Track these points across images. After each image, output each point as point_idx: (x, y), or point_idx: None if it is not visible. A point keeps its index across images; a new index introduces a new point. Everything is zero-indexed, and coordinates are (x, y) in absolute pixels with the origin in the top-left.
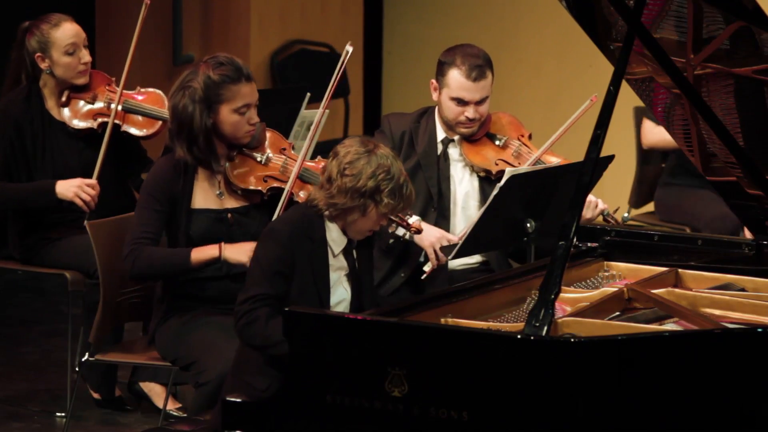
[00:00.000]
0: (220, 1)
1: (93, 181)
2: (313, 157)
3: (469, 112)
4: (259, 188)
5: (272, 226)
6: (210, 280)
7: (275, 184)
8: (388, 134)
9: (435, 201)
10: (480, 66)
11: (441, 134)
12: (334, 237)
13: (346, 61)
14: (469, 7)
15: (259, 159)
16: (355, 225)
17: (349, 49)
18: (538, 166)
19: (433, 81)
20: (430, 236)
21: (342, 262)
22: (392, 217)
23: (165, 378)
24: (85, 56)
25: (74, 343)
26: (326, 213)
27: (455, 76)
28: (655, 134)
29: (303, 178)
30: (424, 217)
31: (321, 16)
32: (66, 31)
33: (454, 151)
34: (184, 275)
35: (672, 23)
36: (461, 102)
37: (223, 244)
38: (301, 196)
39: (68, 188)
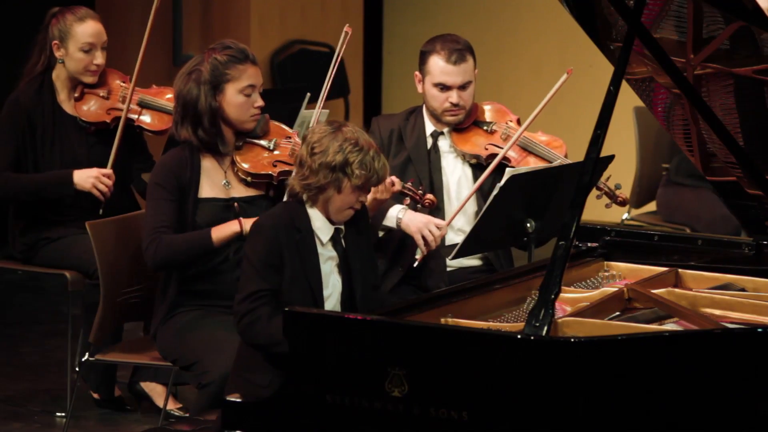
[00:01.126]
0: (220, 1)
1: (108, 171)
2: None
3: (453, 97)
4: (269, 172)
5: (257, 221)
6: (215, 276)
7: (285, 168)
8: (377, 135)
9: (428, 192)
10: (459, 50)
11: (430, 128)
12: (319, 225)
13: (345, 44)
14: (469, 7)
15: (266, 145)
16: (333, 204)
17: (348, 31)
18: (538, 167)
19: (417, 73)
20: (416, 222)
21: (331, 251)
22: (405, 190)
23: (165, 378)
24: (99, 58)
25: (74, 343)
26: (304, 197)
27: (435, 62)
28: None
29: None
30: (416, 209)
31: (321, 16)
32: (87, 29)
33: (444, 143)
34: (207, 256)
35: (672, 23)
36: (444, 87)
37: (241, 219)
38: None
39: (86, 179)
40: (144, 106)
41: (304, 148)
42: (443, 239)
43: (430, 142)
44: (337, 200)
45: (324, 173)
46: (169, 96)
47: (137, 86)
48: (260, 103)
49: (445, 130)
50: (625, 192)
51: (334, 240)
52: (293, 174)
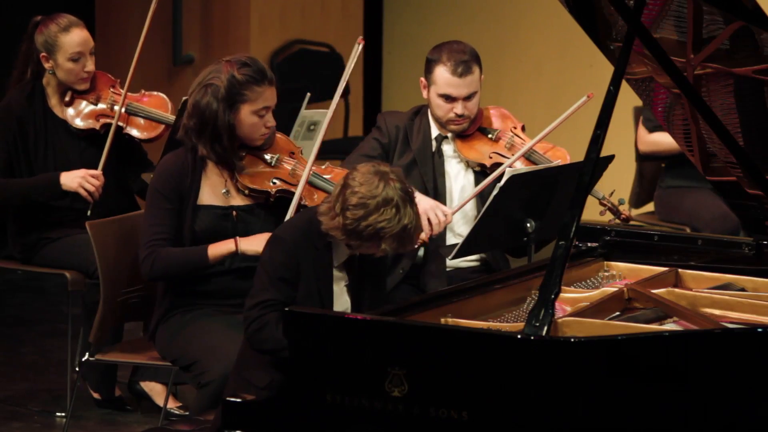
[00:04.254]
0: (220, 1)
1: (98, 172)
2: (321, 158)
3: (458, 108)
4: (267, 189)
5: (277, 232)
6: (213, 276)
7: (283, 187)
8: (384, 130)
9: (431, 197)
10: (466, 61)
11: (435, 131)
12: (337, 249)
13: (356, 57)
14: (470, 7)
15: (268, 160)
16: (355, 252)
17: (361, 42)
18: (539, 166)
19: (422, 79)
20: (423, 204)
21: (342, 272)
22: None
23: (165, 377)
24: (89, 65)
25: (74, 343)
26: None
27: (441, 73)
28: (649, 143)
29: (312, 184)
30: None
31: (321, 16)
32: (74, 38)
33: (448, 148)
34: (202, 272)
35: (672, 23)
36: (449, 98)
37: (238, 238)
38: (315, 198)
39: (72, 179)
40: (132, 113)
41: (340, 199)
42: (443, 238)
43: (434, 145)
44: (358, 251)
45: (350, 236)
46: (158, 102)
47: (124, 90)
48: (272, 123)
49: (449, 135)
50: (625, 204)
51: (348, 262)
52: (324, 204)
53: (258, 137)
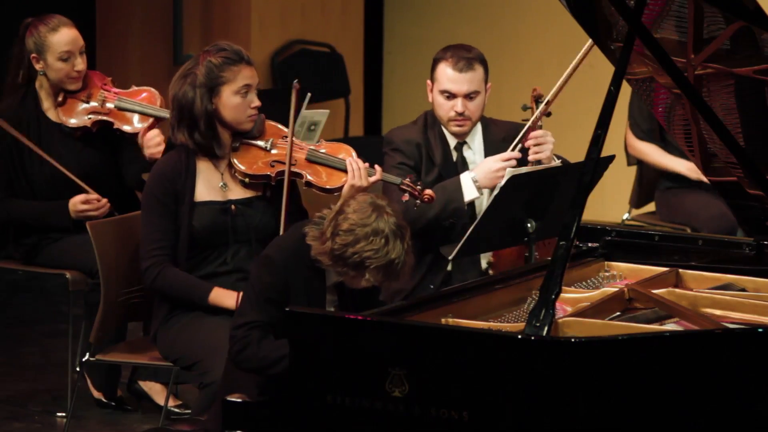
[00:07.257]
0: (221, 1)
1: (92, 195)
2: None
3: (458, 105)
4: (268, 173)
5: (267, 252)
6: (213, 277)
7: (282, 168)
8: (407, 152)
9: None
10: (468, 59)
11: (452, 141)
12: (328, 272)
13: (296, 101)
14: (470, 7)
15: (263, 146)
16: (341, 279)
17: (297, 86)
18: (539, 167)
19: (429, 81)
20: (483, 166)
21: (332, 293)
22: (404, 187)
23: (165, 377)
24: (79, 64)
25: (75, 343)
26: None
27: (443, 69)
28: (637, 151)
29: (311, 160)
30: (415, 206)
31: (321, 17)
32: (62, 37)
33: (469, 153)
34: (197, 307)
35: (672, 23)
36: (450, 95)
37: (241, 293)
38: (316, 174)
39: (76, 215)
40: (122, 109)
41: (332, 224)
42: (448, 235)
43: (455, 155)
44: (345, 280)
45: (336, 262)
46: (148, 96)
47: (117, 88)
48: (257, 103)
49: (467, 140)
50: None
51: (339, 283)
52: (314, 230)
53: (245, 119)
